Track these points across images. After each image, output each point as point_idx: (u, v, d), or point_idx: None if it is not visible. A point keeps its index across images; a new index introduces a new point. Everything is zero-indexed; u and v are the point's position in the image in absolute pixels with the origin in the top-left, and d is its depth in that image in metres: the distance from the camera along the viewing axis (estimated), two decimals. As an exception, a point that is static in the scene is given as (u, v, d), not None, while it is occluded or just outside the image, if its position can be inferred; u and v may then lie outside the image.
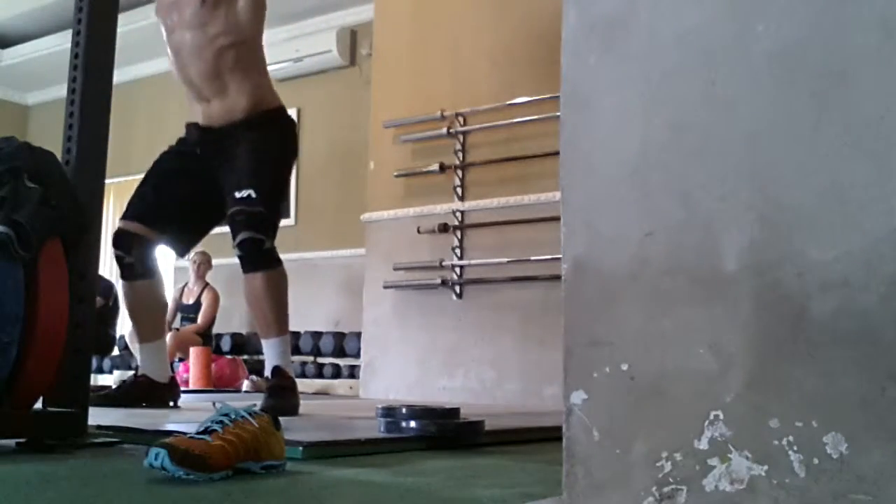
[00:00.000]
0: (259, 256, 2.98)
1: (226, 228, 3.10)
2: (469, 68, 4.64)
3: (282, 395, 2.96)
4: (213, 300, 6.47)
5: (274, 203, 3.06)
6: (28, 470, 1.59)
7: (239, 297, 6.55)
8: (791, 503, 0.90)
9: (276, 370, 3.05)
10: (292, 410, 2.92)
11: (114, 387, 3.59)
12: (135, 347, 6.48)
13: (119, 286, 3.26)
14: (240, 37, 3.10)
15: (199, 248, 6.57)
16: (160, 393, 3.16)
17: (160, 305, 3.31)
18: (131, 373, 6.46)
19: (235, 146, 3.03)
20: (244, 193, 2.94)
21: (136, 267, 3.13)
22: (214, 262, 6.45)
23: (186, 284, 6.73)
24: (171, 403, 3.22)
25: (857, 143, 0.91)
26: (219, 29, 3.08)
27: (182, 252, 3.48)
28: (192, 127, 3.19)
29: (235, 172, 2.99)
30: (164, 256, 7.54)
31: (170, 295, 6.55)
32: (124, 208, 3.20)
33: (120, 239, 3.14)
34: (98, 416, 2.11)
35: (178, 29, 3.15)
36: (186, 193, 3.15)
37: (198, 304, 6.51)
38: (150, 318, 3.24)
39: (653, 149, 1.04)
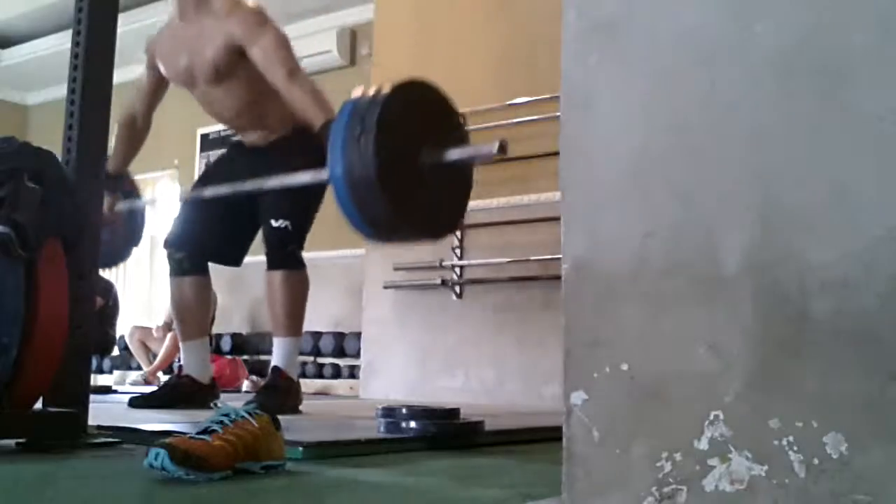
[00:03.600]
0: (282, 255, 3.02)
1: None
2: (469, 68, 4.63)
3: (272, 393, 2.98)
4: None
5: (306, 226, 3.10)
6: (28, 470, 1.59)
7: (239, 297, 6.55)
8: (791, 503, 0.90)
9: (274, 370, 3.08)
10: (280, 410, 2.91)
11: (115, 387, 3.59)
12: (135, 347, 6.51)
13: (169, 282, 3.31)
14: (267, 85, 2.96)
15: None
16: (202, 394, 3.17)
17: (206, 304, 3.32)
18: (135, 374, 6.49)
19: (275, 166, 2.98)
20: (280, 224, 2.98)
21: (185, 263, 3.18)
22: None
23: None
24: (212, 405, 3.22)
25: (856, 143, 0.91)
26: (243, 86, 3.04)
27: (235, 264, 3.42)
28: (235, 145, 3.26)
29: (274, 195, 2.98)
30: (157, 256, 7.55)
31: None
32: (176, 245, 3.22)
33: (172, 238, 3.20)
34: (98, 416, 2.10)
35: (198, 85, 3.13)
36: (232, 218, 3.17)
37: (197, 304, 6.51)
38: (194, 315, 3.26)
39: (653, 149, 1.04)
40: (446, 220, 2.42)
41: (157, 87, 3.25)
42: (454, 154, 2.21)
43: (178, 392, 3.17)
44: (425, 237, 2.55)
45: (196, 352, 3.26)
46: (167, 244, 3.24)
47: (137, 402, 3.13)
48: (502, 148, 2.30)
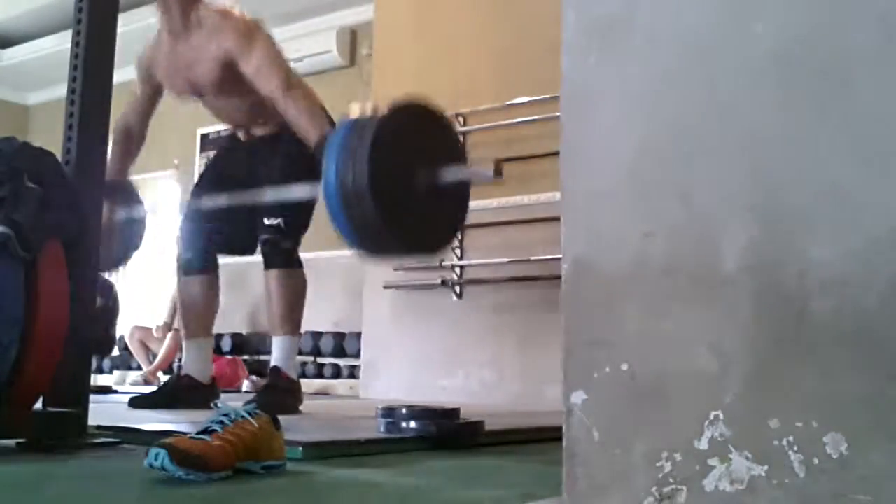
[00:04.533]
0: (277, 254, 3.02)
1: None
2: (469, 68, 4.63)
3: (272, 393, 2.99)
4: (211, 300, 6.47)
5: (300, 224, 3.10)
6: (28, 470, 1.59)
7: (239, 298, 6.54)
8: (791, 503, 0.90)
9: (274, 370, 3.09)
10: (280, 410, 2.91)
11: (115, 387, 3.59)
12: (135, 347, 6.51)
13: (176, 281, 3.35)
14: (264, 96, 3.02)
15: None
16: (202, 393, 3.17)
17: (213, 303, 3.32)
18: (135, 374, 6.49)
19: (274, 156, 3.06)
20: (273, 221, 2.99)
21: (194, 262, 3.20)
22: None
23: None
24: (212, 405, 3.22)
25: (856, 143, 0.91)
26: (249, 92, 3.01)
27: (249, 252, 3.41)
28: (231, 138, 3.27)
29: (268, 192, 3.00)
30: (156, 256, 7.55)
31: (170, 296, 6.55)
32: (185, 245, 3.24)
33: (181, 239, 3.24)
34: (98, 416, 2.10)
35: (202, 96, 3.15)
36: (235, 210, 3.15)
37: (197, 304, 6.51)
38: (201, 314, 3.27)
39: (653, 149, 1.04)
40: (438, 237, 2.42)
41: (153, 98, 3.27)
42: (450, 175, 2.23)
43: (178, 392, 3.17)
44: (414, 252, 2.55)
45: (199, 351, 3.27)
46: (178, 244, 3.27)
47: (137, 402, 3.13)
48: (498, 171, 2.33)
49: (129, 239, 3.23)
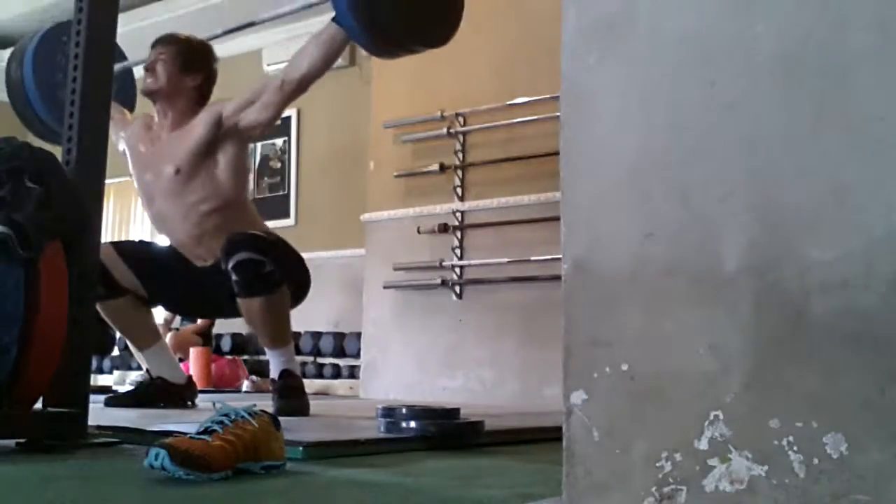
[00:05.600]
0: (257, 281, 2.85)
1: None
2: (469, 68, 4.63)
3: (293, 394, 2.97)
4: (212, 300, 6.45)
5: (280, 247, 3.02)
6: (28, 470, 1.60)
7: (239, 297, 6.51)
8: (791, 503, 0.90)
9: (286, 372, 3.02)
10: (304, 410, 2.94)
11: (115, 387, 3.58)
12: (139, 356, 6.50)
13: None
14: (221, 201, 3.05)
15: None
16: (176, 393, 3.18)
17: (144, 311, 3.27)
18: (135, 374, 6.48)
19: (219, 284, 2.99)
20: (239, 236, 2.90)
21: (112, 291, 3.06)
22: (214, 262, 6.44)
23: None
24: (189, 403, 3.23)
25: (856, 143, 0.91)
26: (198, 196, 3.04)
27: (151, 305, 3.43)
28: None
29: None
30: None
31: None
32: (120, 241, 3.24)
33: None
34: (98, 416, 2.11)
35: (156, 196, 3.13)
36: (174, 281, 3.18)
37: (197, 304, 6.50)
38: (141, 327, 3.24)
39: (653, 149, 1.04)
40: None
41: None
42: None
43: (154, 393, 3.16)
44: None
45: (159, 356, 3.23)
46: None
47: (113, 402, 3.13)
48: None
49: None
